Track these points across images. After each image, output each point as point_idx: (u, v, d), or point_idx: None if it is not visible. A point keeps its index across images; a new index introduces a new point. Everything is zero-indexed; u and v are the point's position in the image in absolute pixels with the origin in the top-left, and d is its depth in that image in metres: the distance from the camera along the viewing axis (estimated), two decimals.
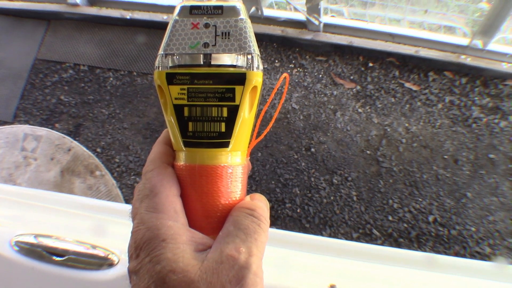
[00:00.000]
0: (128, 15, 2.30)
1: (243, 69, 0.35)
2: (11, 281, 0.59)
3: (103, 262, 0.56)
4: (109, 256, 0.57)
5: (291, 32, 2.11)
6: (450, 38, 1.94)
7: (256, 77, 0.35)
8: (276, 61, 2.13)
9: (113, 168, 2.00)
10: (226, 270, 0.30)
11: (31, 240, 0.58)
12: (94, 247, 0.61)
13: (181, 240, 0.32)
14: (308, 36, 2.07)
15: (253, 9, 2.07)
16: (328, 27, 2.06)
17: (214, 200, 0.35)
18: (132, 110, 2.14)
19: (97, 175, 1.55)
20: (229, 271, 0.30)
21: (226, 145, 0.36)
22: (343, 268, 0.61)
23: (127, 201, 1.72)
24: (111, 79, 2.24)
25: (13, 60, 2.38)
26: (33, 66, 2.34)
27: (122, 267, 0.56)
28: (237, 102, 0.35)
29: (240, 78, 0.35)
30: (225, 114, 0.35)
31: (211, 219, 0.36)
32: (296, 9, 2.00)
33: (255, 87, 0.36)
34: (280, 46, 2.16)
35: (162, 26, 2.26)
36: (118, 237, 0.66)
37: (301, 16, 2.03)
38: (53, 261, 0.56)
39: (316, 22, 1.98)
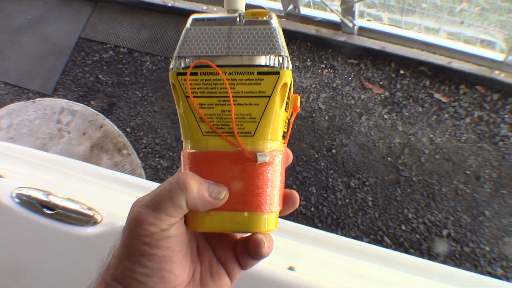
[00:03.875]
0: (170, 2, 2.37)
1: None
2: (10, 229, 0.65)
3: (89, 220, 0.61)
4: (94, 215, 0.62)
5: (325, 32, 2.12)
6: (485, 52, 1.89)
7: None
8: (308, 60, 2.15)
9: (140, 149, 2.08)
10: None
11: (29, 193, 0.64)
12: (89, 208, 0.66)
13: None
14: (341, 38, 2.07)
15: (290, 6, 2.10)
16: (363, 31, 2.05)
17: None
18: (164, 94, 2.21)
19: (124, 154, 1.62)
20: None
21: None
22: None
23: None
24: (148, 63, 2.32)
25: (59, 37, 2.50)
26: (76, 44, 2.46)
27: (104, 226, 0.61)
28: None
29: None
30: None
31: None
32: (331, 10, 2.00)
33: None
34: (313, 46, 2.18)
35: None
36: (120, 203, 0.70)
37: (336, 18, 2.04)
38: (44, 213, 0.62)
39: (350, 25, 1.98)
